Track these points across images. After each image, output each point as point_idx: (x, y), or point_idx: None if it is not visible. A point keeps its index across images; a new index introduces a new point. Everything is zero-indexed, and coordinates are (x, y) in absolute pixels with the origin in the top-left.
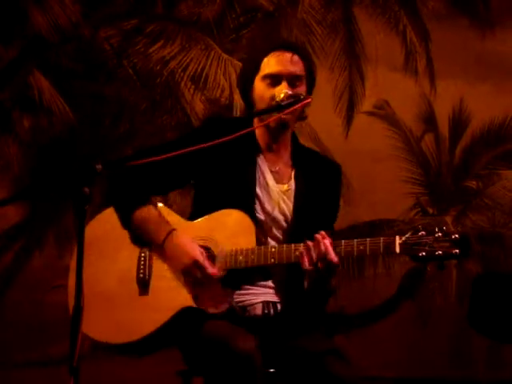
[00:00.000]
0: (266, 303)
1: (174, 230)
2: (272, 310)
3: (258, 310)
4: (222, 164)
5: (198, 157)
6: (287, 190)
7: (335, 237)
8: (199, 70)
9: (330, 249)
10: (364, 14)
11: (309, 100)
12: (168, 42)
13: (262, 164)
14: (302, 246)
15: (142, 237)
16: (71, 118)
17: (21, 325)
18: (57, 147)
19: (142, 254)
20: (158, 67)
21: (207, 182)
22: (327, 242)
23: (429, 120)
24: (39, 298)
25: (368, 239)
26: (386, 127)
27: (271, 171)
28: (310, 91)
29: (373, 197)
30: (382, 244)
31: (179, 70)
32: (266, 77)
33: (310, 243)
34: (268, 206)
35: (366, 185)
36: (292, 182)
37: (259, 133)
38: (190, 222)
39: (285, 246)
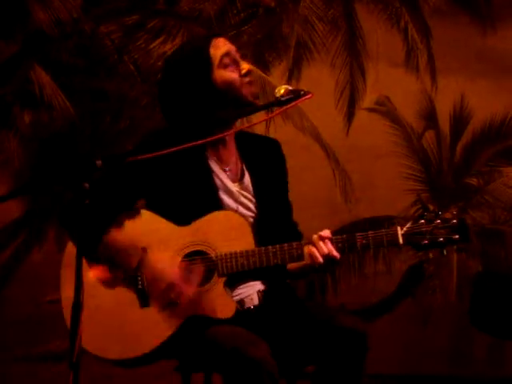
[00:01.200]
0: (260, 292)
1: (145, 253)
2: (265, 300)
3: (255, 300)
4: (172, 173)
5: (144, 171)
6: (245, 186)
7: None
8: None
9: (331, 247)
10: (365, 11)
11: (309, 96)
12: (169, 37)
13: (215, 166)
14: (307, 246)
15: (110, 260)
16: (72, 113)
17: (20, 320)
18: (57, 142)
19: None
20: (159, 63)
21: (160, 196)
22: (327, 240)
23: (430, 117)
24: (39, 293)
25: (370, 232)
26: (387, 124)
27: (224, 171)
28: None
29: (373, 193)
30: (384, 236)
31: None
32: (221, 61)
33: (312, 244)
34: (233, 207)
35: (366, 181)
36: (246, 177)
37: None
38: (181, 228)
39: (285, 245)
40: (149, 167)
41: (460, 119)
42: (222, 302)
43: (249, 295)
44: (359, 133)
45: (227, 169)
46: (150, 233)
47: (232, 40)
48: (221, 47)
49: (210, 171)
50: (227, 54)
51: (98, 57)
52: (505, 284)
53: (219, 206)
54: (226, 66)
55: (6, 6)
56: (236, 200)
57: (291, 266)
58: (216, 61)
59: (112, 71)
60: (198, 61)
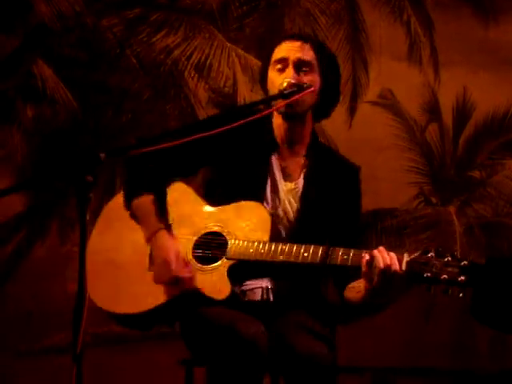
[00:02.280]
0: (265, 289)
1: (160, 229)
2: (271, 296)
3: (258, 295)
4: (237, 156)
5: (215, 143)
6: (294, 189)
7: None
8: (203, 58)
9: (395, 259)
10: (368, 4)
11: (312, 89)
12: (171, 30)
13: (275, 161)
14: (365, 252)
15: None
16: (74, 107)
17: (23, 314)
18: (60, 136)
19: None
20: (162, 56)
21: (220, 172)
22: (392, 254)
23: (433, 110)
24: (42, 287)
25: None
26: (390, 117)
27: (281, 167)
28: (328, 81)
29: (376, 186)
30: None
31: (183, 59)
32: (274, 63)
33: (375, 251)
34: (273, 204)
35: (369, 174)
36: (300, 181)
37: (276, 126)
38: (208, 208)
39: (295, 246)
40: (218, 140)
41: (463, 112)
42: (219, 284)
43: (252, 289)
44: (362, 126)
45: (284, 165)
46: (178, 207)
47: (235, 33)
48: (283, 51)
49: (268, 164)
50: (283, 59)
51: (100, 50)
52: (507, 276)
53: (261, 199)
54: (276, 69)
55: (7, 0)
56: (280, 199)
57: (353, 291)
58: (272, 60)
59: (114, 65)
60: (266, 55)
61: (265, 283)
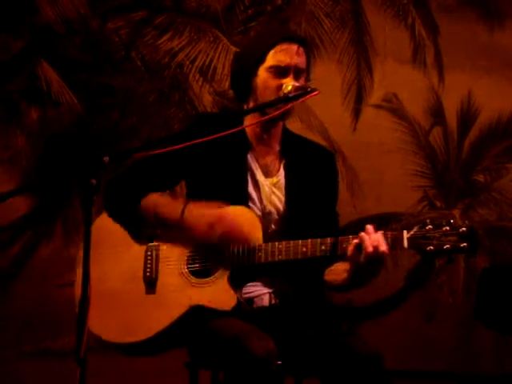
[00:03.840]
0: (271, 294)
1: (186, 204)
2: (279, 301)
3: (266, 301)
4: (212, 163)
5: (189, 155)
6: (276, 182)
7: (343, 232)
8: (207, 62)
9: (382, 240)
10: (373, 7)
11: (316, 93)
12: (176, 33)
13: (252, 160)
14: (351, 238)
15: (153, 221)
16: (79, 109)
17: (28, 316)
18: (65, 139)
19: (149, 253)
20: (167, 59)
21: (198, 181)
22: (379, 233)
23: (437, 113)
24: (47, 289)
25: None
26: (394, 120)
27: (260, 165)
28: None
29: (380, 190)
30: (389, 239)
31: (187, 62)
32: (272, 67)
33: (363, 234)
34: (260, 203)
35: (373, 178)
36: (281, 173)
37: (251, 127)
38: None
39: (292, 242)
40: (192, 151)
41: (467, 116)
42: (224, 295)
43: (259, 295)
44: (366, 129)
45: (263, 163)
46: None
47: (240, 37)
48: (282, 56)
49: (245, 164)
50: (280, 62)
51: (105, 53)
52: (510, 279)
53: (246, 200)
54: (271, 72)
55: (13, 2)
56: (266, 196)
57: (334, 274)
58: (268, 63)
59: (119, 67)
60: (256, 52)
61: (271, 288)
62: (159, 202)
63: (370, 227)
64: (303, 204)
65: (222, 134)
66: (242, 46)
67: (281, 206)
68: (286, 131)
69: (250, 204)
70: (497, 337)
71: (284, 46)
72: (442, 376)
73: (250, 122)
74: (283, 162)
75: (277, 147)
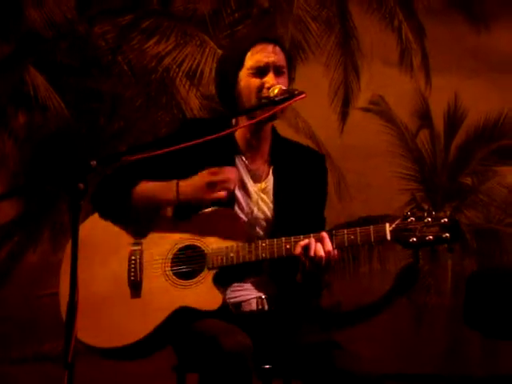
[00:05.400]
0: (260, 299)
1: (178, 181)
2: (266, 306)
3: (253, 306)
4: (201, 167)
5: (177, 159)
6: (264, 188)
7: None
8: (194, 65)
9: (329, 242)
10: (359, 10)
11: (303, 96)
12: (163, 37)
13: (240, 164)
14: (301, 238)
15: (148, 204)
16: (66, 113)
17: (16, 321)
18: (52, 143)
19: (133, 257)
20: (153, 63)
21: None
22: (326, 237)
23: (424, 116)
24: (34, 294)
25: (358, 228)
26: (381, 123)
27: (248, 170)
28: (289, 81)
29: (368, 192)
30: (372, 232)
31: (174, 66)
32: (251, 69)
33: (312, 237)
34: (247, 208)
35: (360, 180)
36: (270, 179)
37: (238, 130)
38: (178, 222)
39: (275, 240)
40: (181, 155)
41: (454, 118)
42: (210, 295)
43: (247, 300)
44: (353, 132)
45: (252, 168)
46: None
47: (227, 40)
48: (259, 56)
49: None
50: (259, 62)
51: (92, 57)
52: (499, 283)
53: (232, 204)
54: (252, 73)
55: None
56: (253, 201)
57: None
58: (246, 66)
59: (106, 72)
60: (234, 58)
61: (259, 293)
62: (149, 185)
63: (324, 234)
64: (292, 211)
65: (210, 137)
66: (220, 56)
67: (269, 213)
68: (275, 136)
69: (236, 208)
70: (485, 340)
71: (259, 47)
72: (431, 379)
73: (238, 127)
74: (272, 167)
75: (266, 152)
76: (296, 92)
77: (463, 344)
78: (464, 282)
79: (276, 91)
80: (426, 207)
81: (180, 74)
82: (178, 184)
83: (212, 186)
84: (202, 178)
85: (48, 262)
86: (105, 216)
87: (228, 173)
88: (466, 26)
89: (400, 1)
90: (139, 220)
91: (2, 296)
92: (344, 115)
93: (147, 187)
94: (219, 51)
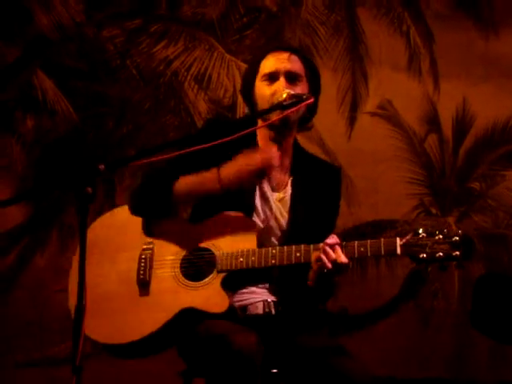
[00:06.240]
0: (266, 302)
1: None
2: (273, 309)
3: (260, 309)
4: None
5: (200, 159)
6: (282, 198)
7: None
8: (202, 70)
9: (340, 252)
10: (367, 15)
11: (311, 100)
12: (171, 42)
13: None
14: (315, 252)
15: (189, 198)
16: (74, 117)
17: (23, 324)
18: (60, 147)
19: (143, 256)
20: (162, 67)
21: None
22: (338, 246)
23: (432, 121)
24: (42, 297)
25: (369, 241)
26: (390, 128)
27: (268, 178)
28: (314, 92)
29: (376, 197)
30: (382, 246)
31: (182, 70)
32: (264, 76)
33: (324, 248)
34: (264, 215)
35: (368, 185)
36: (288, 190)
37: (261, 137)
38: (192, 225)
39: (285, 247)
40: (207, 155)
41: (462, 123)
42: (217, 298)
43: (254, 303)
44: (361, 137)
45: (272, 177)
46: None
47: (235, 45)
48: (272, 63)
49: None
50: (273, 71)
51: (100, 61)
52: (507, 287)
53: (251, 211)
54: (265, 81)
55: (8, 10)
56: (271, 210)
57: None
58: (261, 73)
59: (114, 75)
60: (252, 66)
61: (266, 296)
62: (188, 179)
63: (324, 243)
64: (306, 222)
65: (233, 136)
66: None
67: (284, 223)
68: (297, 148)
69: (254, 215)
70: (493, 344)
71: (274, 55)
72: (438, 383)
73: (261, 133)
74: (291, 178)
75: (287, 163)
76: (304, 97)
77: (470, 348)
78: (471, 286)
79: (284, 96)
80: (434, 212)
81: (188, 77)
82: (219, 170)
83: (253, 165)
84: (242, 159)
85: (56, 265)
86: (143, 214)
87: (265, 152)
88: (474, 31)
89: (408, 6)
90: (159, 219)
91: (10, 299)
92: (352, 120)
93: (186, 181)
94: (227, 55)
